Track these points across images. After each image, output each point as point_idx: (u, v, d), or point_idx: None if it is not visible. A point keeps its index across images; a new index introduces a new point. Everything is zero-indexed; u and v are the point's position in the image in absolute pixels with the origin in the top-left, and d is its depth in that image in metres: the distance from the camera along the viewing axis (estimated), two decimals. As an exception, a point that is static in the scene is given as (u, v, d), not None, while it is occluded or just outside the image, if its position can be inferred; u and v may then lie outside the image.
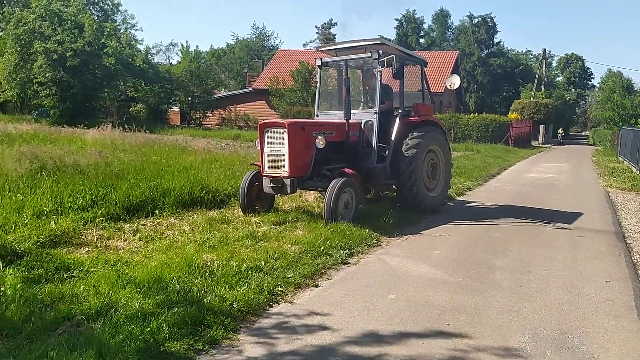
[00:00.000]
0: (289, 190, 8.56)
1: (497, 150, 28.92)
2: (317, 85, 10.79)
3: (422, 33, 73.72)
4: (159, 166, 10.96)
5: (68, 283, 5.31)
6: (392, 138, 9.59)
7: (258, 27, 73.66)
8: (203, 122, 43.87)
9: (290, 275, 5.85)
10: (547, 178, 18.13)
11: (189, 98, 43.07)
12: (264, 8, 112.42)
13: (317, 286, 5.83)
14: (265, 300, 5.21)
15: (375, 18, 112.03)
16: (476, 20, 69.95)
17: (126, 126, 22.84)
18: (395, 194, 10.34)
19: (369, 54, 9.61)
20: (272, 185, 8.65)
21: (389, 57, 9.34)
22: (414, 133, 9.70)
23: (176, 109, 46.30)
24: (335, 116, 9.85)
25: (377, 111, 9.53)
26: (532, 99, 52.49)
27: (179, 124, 43.71)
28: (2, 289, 5.02)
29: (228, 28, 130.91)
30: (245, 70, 61.66)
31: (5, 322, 4.38)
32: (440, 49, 66.47)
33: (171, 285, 5.20)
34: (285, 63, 44.58)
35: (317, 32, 72.86)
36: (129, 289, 5.06)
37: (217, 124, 43.50)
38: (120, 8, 52.62)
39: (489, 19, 69.42)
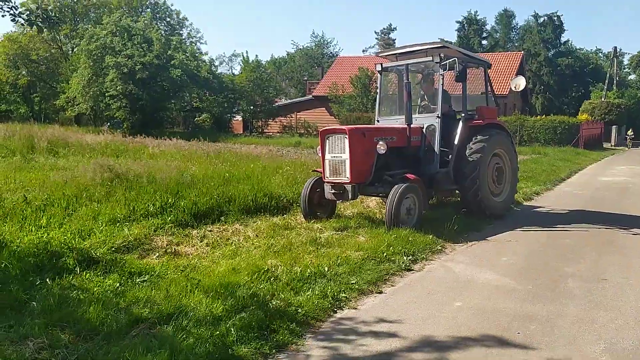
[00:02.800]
0: (350, 196, 8.58)
1: (567, 153, 27.82)
2: (378, 90, 10.74)
3: (484, 34, 72.10)
4: (225, 174, 11.23)
5: (140, 287, 5.52)
6: (455, 142, 9.44)
7: (317, 35, 74.11)
8: (265, 130, 44.67)
9: (353, 282, 5.85)
10: (620, 181, 17.27)
11: (251, 107, 43.99)
12: (323, 16, 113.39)
13: (380, 292, 5.80)
14: (330, 305, 5.23)
15: (435, 21, 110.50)
16: (542, 19, 67.76)
17: (192, 137, 23.61)
18: (459, 199, 10.14)
19: (431, 58, 9.50)
20: (333, 191, 8.70)
21: (450, 60, 9.20)
22: (478, 137, 9.48)
23: (239, 117, 47.43)
24: (396, 121, 9.75)
25: (440, 115, 9.39)
26: (603, 99, 50.19)
27: (241, 132, 44.71)
28: (77, 294, 5.30)
29: (288, 37, 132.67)
30: (306, 78, 62.29)
31: (84, 324, 4.61)
32: (504, 50, 64.74)
33: (238, 290, 5.32)
34: (345, 69, 44.72)
35: (376, 38, 72.77)
36: (198, 294, 5.21)
37: (278, 132, 44.17)
38: (185, 22, 54.70)
39: (555, 18, 67.08)
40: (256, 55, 63.78)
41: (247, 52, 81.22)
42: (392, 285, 6.04)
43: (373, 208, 10.35)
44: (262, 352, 4.25)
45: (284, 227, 8.34)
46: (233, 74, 51.50)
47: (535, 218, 10.39)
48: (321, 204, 9.23)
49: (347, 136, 8.45)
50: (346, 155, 8.47)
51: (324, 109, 43.48)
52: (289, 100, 50.98)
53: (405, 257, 6.82)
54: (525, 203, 12.21)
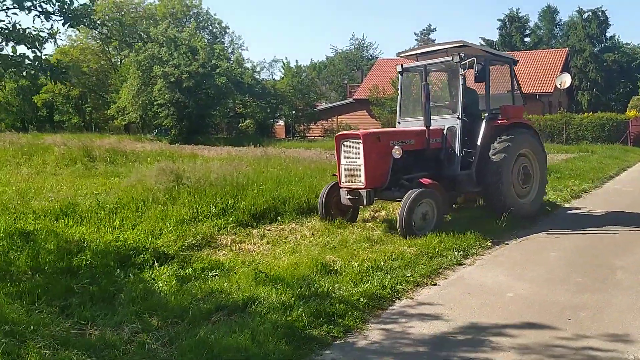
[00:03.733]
0: (365, 202, 8.52)
1: (615, 150, 27.29)
2: (399, 91, 10.52)
3: (527, 32, 70.94)
4: (277, 177, 11.77)
5: (213, 280, 6.05)
6: (478, 143, 9.21)
7: (357, 39, 74.43)
8: (307, 134, 45.31)
9: (409, 275, 6.23)
10: (672, 178, 16.98)
11: (293, 111, 44.73)
12: (363, 19, 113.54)
13: (435, 285, 6.16)
14: (388, 296, 5.64)
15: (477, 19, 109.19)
16: (586, 14, 66.13)
17: (237, 142, 24.36)
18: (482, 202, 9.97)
19: (451, 58, 9.32)
20: (349, 197, 8.65)
21: (470, 59, 9.03)
22: (503, 137, 9.21)
23: (281, 122, 48.25)
24: (418, 123, 9.49)
25: (460, 116, 9.15)
26: (652, 94, 48.67)
27: (284, 136, 45.50)
28: (158, 286, 5.87)
29: (327, 41, 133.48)
30: (346, 82, 62.75)
31: (169, 312, 5.16)
32: (548, 47, 63.59)
33: (302, 282, 5.78)
34: (385, 72, 44.89)
35: (415, 39, 72.48)
36: (266, 286, 5.70)
37: (320, 135, 44.72)
38: (227, 30, 56.01)
39: (600, 13, 65.37)
40: (296, 61, 64.75)
41: (286, 58, 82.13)
42: (446, 278, 6.39)
43: None
44: (331, 335, 4.70)
45: (337, 226, 8.76)
46: (274, 79, 52.38)
47: (583, 216, 10.50)
48: (340, 208, 9.14)
49: (361, 141, 8.41)
50: (361, 161, 8.42)
51: (364, 111, 43.79)
52: (330, 104, 51.52)
53: (456, 253, 7.15)
54: (573, 200, 12.27)
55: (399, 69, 10.17)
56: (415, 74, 10.63)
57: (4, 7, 4.60)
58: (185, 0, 53.71)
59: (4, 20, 4.52)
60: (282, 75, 50.50)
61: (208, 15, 55.17)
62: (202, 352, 4.18)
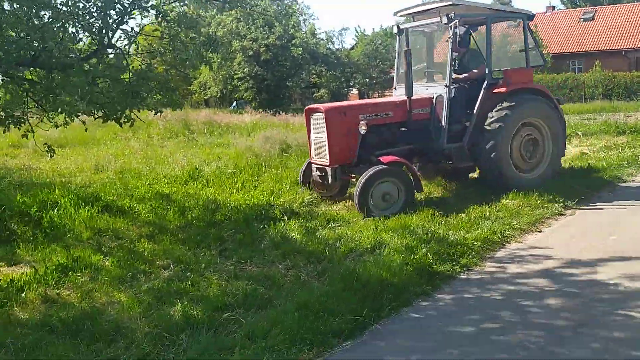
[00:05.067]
0: (330, 180, 7.99)
1: None
2: (396, 54, 9.32)
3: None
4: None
5: (338, 229, 6.93)
6: (474, 112, 8.33)
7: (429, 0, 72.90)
8: (381, 102, 45.59)
9: (514, 223, 6.86)
10: None
11: (367, 79, 45.07)
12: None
13: (540, 232, 6.78)
14: (499, 240, 6.33)
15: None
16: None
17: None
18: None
19: (439, 19, 8.36)
20: (318, 173, 8.19)
21: (453, 21, 8.07)
22: (503, 104, 8.25)
23: (355, 91, 48.71)
24: (419, 89, 8.56)
25: (448, 84, 8.28)
26: None
27: (358, 105, 46.02)
28: (293, 235, 6.82)
29: (396, 6, 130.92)
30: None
31: (308, 254, 6.08)
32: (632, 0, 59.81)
33: (417, 229, 6.55)
34: (461, 35, 44.19)
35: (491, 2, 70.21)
36: (387, 233, 6.52)
37: (395, 102, 44.87)
38: (297, 1, 56.53)
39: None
40: (373, 29, 64.38)
41: (359, 26, 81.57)
42: (549, 226, 6.99)
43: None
44: (455, 270, 5.49)
45: (436, 183, 9.41)
46: (344, 47, 52.63)
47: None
48: (323, 184, 8.40)
49: (324, 116, 7.91)
50: (325, 136, 7.88)
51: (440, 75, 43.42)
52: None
53: (557, 205, 7.68)
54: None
55: (395, 30, 9.16)
56: (415, 35, 9.64)
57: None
58: (257, -26, 54.62)
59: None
60: (354, 44, 50.65)
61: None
62: (350, 280, 5.06)
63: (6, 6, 4.61)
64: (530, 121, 8.59)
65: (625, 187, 9.11)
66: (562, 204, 7.75)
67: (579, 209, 7.81)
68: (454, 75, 8.63)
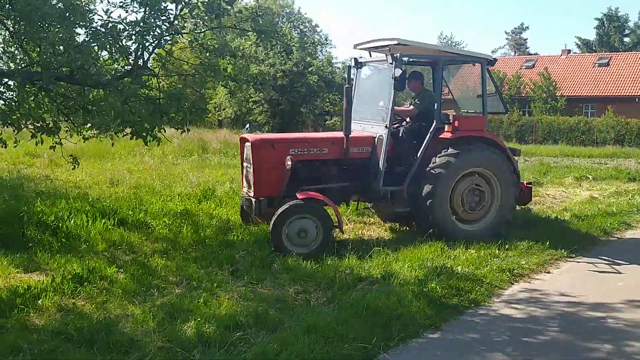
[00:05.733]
0: (254, 212, 7.69)
1: None
2: (353, 88, 8.47)
3: (626, 32, 67.59)
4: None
5: (351, 258, 7.00)
6: (418, 156, 7.99)
7: (445, 37, 73.86)
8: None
9: (523, 262, 6.94)
10: None
11: (380, 110, 45.50)
12: (451, 16, 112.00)
13: (548, 272, 6.85)
14: (507, 278, 6.41)
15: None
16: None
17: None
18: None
19: (385, 58, 8.05)
20: (246, 204, 7.92)
21: (397, 62, 7.64)
22: (448, 150, 7.87)
23: (367, 120, 49.14)
24: (360, 126, 8.35)
25: (388, 125, 7.87)
26: None
27: (370, 134, 46.31)
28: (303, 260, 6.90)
29: (414, 38, 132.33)
30: (433, 81, 62.68)
31: (318, 280, 6.16)
32: (649, 47, 60.34)
33: (427, 262, 6.64)
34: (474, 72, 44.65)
35: (506, 38, 70.94)
36: (397, 263, 6.61)
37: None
38: (317, 29, 57.54)
39: None
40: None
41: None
42: (558, 268, 7.06)
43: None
44: (463, 305, 5.56)
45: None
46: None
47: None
48: (249, 216, 8.15)
49: (251, 146, 7.72)
50: (252, 167, 7.69)
51: (452, 110, 43.71)
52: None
53: (566, 248, 7.72)
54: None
55: (353, 62, 8.81)
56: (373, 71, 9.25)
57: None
58: (279, 0, 55.71)
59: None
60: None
61: (299, 15, 56.90)
62: (360, 308, 5.14)
63: (52, 32, 4.86)
64: (477, 171, 8.10)
65: (635, 234, 9.16)
66: (571, 248, 7.81)
67: (588, 253, 7.86)
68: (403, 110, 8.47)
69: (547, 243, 7.78)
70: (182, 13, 5.36)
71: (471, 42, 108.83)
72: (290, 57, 39.00)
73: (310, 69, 38.84)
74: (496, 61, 9.12)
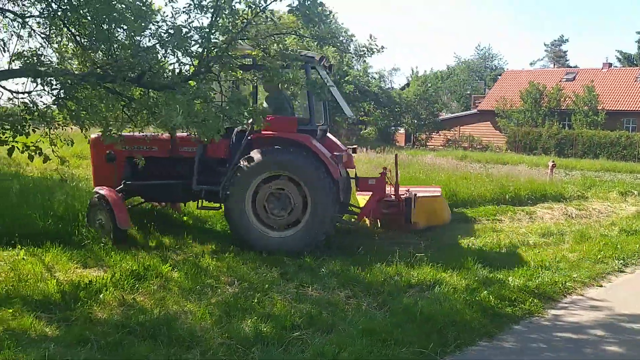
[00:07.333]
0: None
1: None
2: None
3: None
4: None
5: (398, 264, 7.03)
6: (236, 158, 7.83)
7: (483, 48, 73.14)
8: (427, 143, 45.65)
9: (575, 275, 6.84)
10: None
11: (415, 120, 45.31)
12: (488, 28, 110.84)
13: (600, 286, 6.74)
14: (560, 291, 6.33)
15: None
16: None
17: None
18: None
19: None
20: None
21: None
22: (251, 152, 7.62)
23: (402, 130, 48.97)
24: None
25: None
26: None
27: (404, 145, 46.14)
28: (350, 265, 6.95)
29: (445, 50, 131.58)
30: (468, 92, 62.11)
31: (368, 285, 6.20)
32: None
33: (476, 271, 6.61)
34: (512, 83, 44.14)
35: (545, 50, 69.92)
36: (446, 272, 6.60)
37: (441, 145, 44.85)
38: (353, 39, 57.78)
39: None
40: (429, 69, 65.11)
41: (416, 67, 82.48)
42: (610, 282, 6.95)
43: (547, 221, 10.67)
44: (517, 315, 5.51)
45: (491, 229, 9.45)
46: (392, 87, 53.14)
47: None
48: None
49: (90, 143, 8.10)
50: (91, 162, 8.42)
51: (489, 123, 43.33)
52: (452, 114, 51.40)
53: (616, 261, 7.62)
54: None
55: None
56: None
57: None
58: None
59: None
60: (404, 84, 51.15)
61: (336, 25, 57.26)
62: (412, 314, 5.16)
63: (121, 36, 5.10)
64: (284, 174, 7.62)
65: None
66: (622, 261, 7.68)
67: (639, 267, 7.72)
68: None
69: (598, 256, 7.69)
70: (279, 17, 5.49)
71: (508, 54, 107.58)
72: (327, 65, 39.24)
73: (346, 78, 38.98)
74: (325, 60, 8.57)
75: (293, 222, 7.62)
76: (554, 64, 60.89)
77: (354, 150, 9.19)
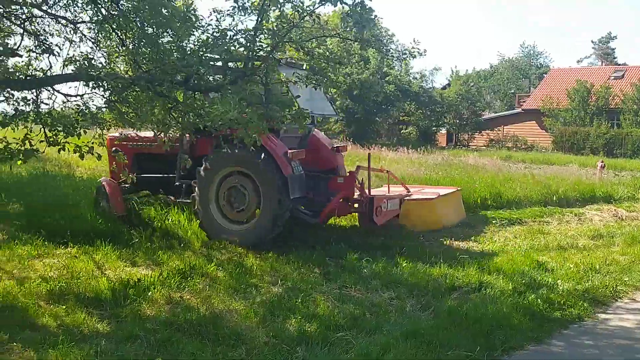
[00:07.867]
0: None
1: None
2: None
3: None
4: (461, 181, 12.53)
5: (442, 266, 6.93)
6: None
7: (527, 46, 71.46)
8: (469, 144, 44.91)
9: (626, 279, 6.62)
10: None
11: (457, 120, 44.66)
12: (533, 26, 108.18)
13: (653, 290, 6.49)
14: (610, 295, 6.13)
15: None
16: None
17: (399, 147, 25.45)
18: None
19: None
20: None
21: None
22: (215, 148, 7.91)
23: (443, 130, 48.34)
24: None
25: None
26: None
27: (445, 145, 45.53)
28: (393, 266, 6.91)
29: (490, 49, 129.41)
30: (512, 91, 60.82)
31: (409, 286, 6.15)
32: None
33: (522, 275, 6.47)
34: (558, 82, 42.97)
35: (593, 47, 67.73)
36: (492, 275, 6.49)
37: (484, 145, 44.04)
38: (394, 39, 57.42)
39: None
40: (470, 68, 64.16)
41: (456, 66, 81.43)
42: (663, 286, 6.66)
43: (597, 223, 10.35)
44: (567, 319, 5.37)
45: (539, 231, 9.23)
46: (433, 87, 52.45)
47: None
48: None
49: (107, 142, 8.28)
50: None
51: (534, 122, 42.33)
52: (495, 114, 50.45)
53: (671, 265, 7.32)
54: None
55: None
56: None
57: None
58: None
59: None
60: (445, 84, 50.48)
61: (377, 24, 57.02)
62: (457, 317, 5.10)
63: (167, 40, 5.23)
64: (238, 170, 7.91)
65: None
66: (677, 265, 7.38)
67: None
68: None
69: (650, 260, 7.42)
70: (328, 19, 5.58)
71: (555, 51, 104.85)
72: (367, 66, 39.10)
73: (387, 78, 38.75)
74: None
75: (251, 217, 7.98)
76: (602, 62, 58.93)
77: (340, 149, 9.16)
